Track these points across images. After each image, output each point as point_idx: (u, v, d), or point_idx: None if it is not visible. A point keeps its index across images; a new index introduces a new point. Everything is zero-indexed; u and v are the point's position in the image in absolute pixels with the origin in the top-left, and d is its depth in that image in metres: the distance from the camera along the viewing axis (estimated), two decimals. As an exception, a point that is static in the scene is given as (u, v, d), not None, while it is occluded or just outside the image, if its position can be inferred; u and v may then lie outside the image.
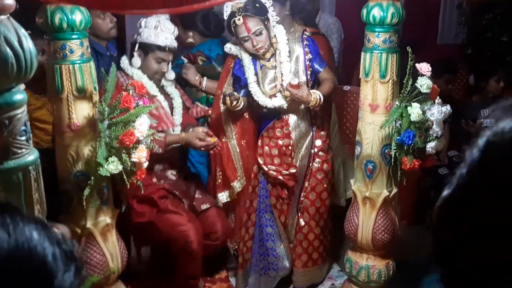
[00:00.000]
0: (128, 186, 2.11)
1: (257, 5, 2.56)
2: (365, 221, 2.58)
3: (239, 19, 2.53)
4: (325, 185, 2.85)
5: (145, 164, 2.13)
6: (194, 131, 2.65)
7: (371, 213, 2.56)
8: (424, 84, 2.32)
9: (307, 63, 2.71)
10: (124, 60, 2.66)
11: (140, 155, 2.07)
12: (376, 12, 2.30)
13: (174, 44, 2.66)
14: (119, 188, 2.24)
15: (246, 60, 2.70)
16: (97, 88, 2.11)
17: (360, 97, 2.51)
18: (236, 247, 2.98)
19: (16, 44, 1.06)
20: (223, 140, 2.86)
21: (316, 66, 2.73)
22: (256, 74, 2.71)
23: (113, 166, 2.01)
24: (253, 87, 2.70)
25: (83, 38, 2.04)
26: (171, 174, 2.81)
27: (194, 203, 2.81)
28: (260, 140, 2.84)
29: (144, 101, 2.16)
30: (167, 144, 2.58)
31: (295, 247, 2.91)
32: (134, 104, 2.09)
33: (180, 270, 2.73)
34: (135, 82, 2.16)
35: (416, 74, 2.36)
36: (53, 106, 2.10)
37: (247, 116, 2.89)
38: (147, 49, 2.61)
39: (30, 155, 1.15)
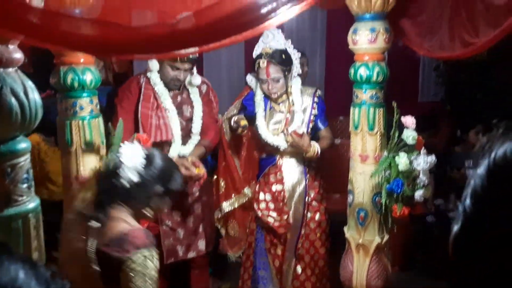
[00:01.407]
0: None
1: (283, 55, 2.55)
2: (359, 268, 2.44)
3: (263, 62, 2.52)
4: (318, 235, 2.73)
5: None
6: (184, 159, 2.47)
7: (364, 259, 2.43)
8: (410, 136, 2.27)
9: (312, 117, 2.68)
10: (149, 61, 2.50)
11: (143, 205, 1.98)
12: (363, 71, 2.29)
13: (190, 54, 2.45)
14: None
15: (259, 96, 2.68)
16: (104, 142, 2.06)
17: (351, 148, 2.46)
18: (237, 256, 2.85)
19: (22, 95, 1.01)
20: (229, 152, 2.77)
21: (319, 124, 2.71)
22: (264, 111, 2.68)
23: (117, 215, 1.93)
24: (260, 121, 2.66)
25: (93, 96, 2.01)
26: None
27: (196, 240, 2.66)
28: (257, 186, 2.76)
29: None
30: None
31: None
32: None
33: None
34: (140, 136, 2.11)
35: (401, 128, 2.33)
36: (62, 159, 2.04)
37: (244, 141, 2.85)
38: None
39: (31, 203, 1.07)
